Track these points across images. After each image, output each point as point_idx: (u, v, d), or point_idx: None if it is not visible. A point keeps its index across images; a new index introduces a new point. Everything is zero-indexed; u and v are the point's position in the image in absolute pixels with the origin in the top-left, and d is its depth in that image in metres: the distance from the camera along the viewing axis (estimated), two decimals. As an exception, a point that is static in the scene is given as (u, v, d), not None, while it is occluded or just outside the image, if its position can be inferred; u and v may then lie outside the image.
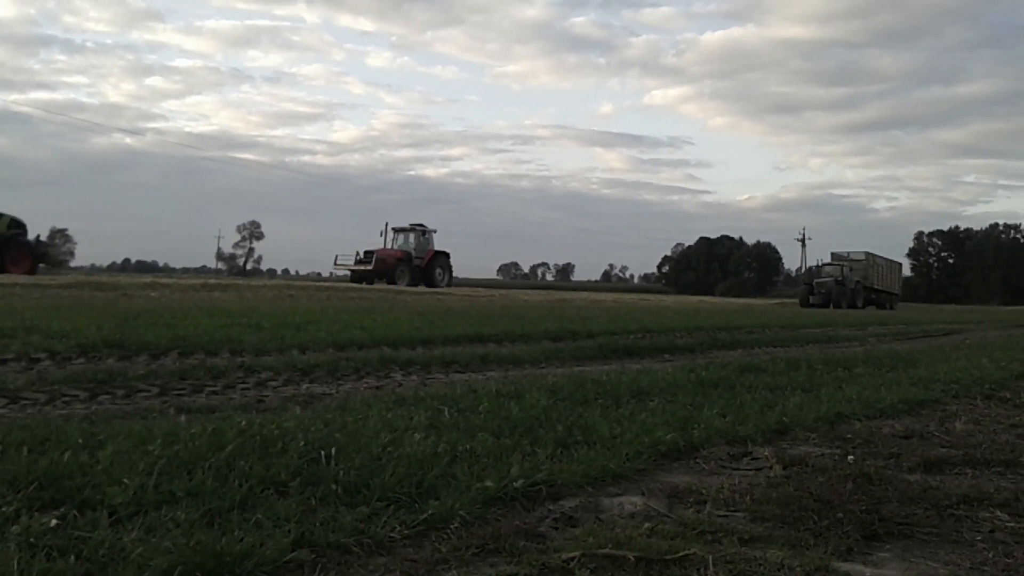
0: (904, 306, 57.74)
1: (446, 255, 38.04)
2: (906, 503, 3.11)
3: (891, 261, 57.26)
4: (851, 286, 47.58)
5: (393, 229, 38.05)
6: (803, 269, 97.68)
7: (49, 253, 29.01)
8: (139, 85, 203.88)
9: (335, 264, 37.79)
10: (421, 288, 31.90)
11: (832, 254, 52.99)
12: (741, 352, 10.47)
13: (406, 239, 37.68)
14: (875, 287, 51.70)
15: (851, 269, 49.33)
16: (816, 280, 48.79)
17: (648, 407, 4.79)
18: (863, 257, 51.74)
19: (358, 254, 36.51)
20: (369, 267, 34.93)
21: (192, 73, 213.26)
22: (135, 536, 2.23)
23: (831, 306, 43.59)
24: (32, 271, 24.85)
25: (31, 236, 26.65)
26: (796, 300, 50.15)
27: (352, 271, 36.08)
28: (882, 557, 2.60)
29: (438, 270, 37.15)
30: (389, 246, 37.31)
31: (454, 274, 39.03)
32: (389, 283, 33.13)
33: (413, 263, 36.14)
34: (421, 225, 38.31)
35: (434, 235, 38.34)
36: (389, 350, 7.94)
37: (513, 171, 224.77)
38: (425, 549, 2.45)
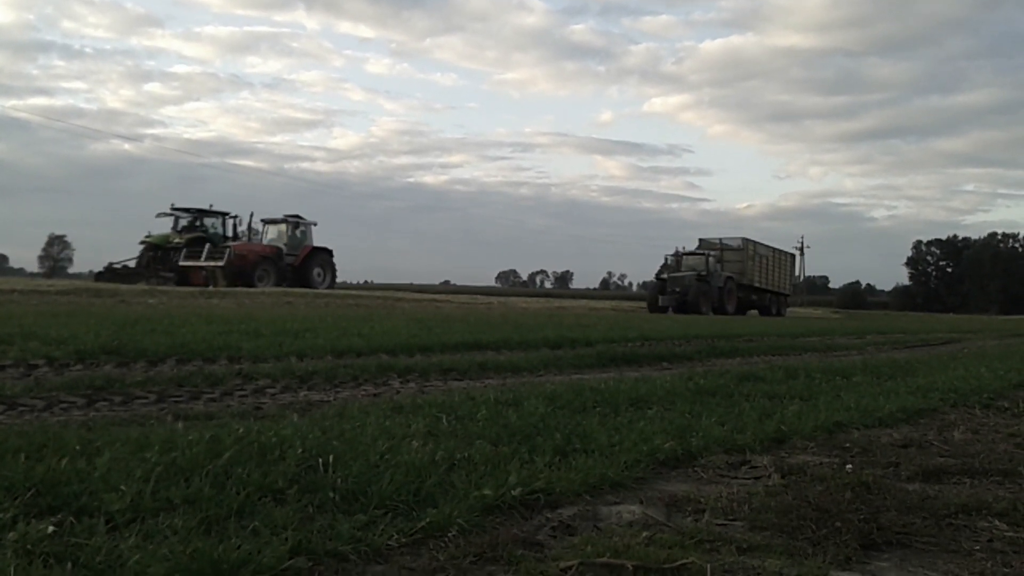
0: (902, 315, 54.66)
1: (328, 252, 32.90)
2: (904, 512, 3.10)
3: (780, 251, 44.35)
4: (719, 283, 36.40)
5: (262, 221, 32.67)
6: (801, 278, 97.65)
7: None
8: (138, 91, 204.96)
9: (183, 262, 31.50)
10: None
11: (700, 240, 41.11)
12: (739, 360, 10.47)
13: (278, 233, 32.13)
14: (756, 285, 40.25)
15: (720, 261, 38.10)
16: (670, 275, 36.48)
17: (646, 415, 4.79)
18: (739, 245, 40.00)
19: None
20: (220, 263, 28.64)
21: (191, 79, 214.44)
22: (132, 543, 2.22)
23: (688, 311, 32.96)
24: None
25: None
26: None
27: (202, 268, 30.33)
28: (880, 566, 2.60)
29: (317, 270, 31.91)
30: (261, 240, 32.04)
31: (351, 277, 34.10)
32: (247, 285, 27.20)
33: (283, 261, 30.83)
34: (296, 216, 32.68)
35: (313, 228, 33.02)
36: (387, 357, 7.93)
37: (512, 178, 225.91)
38: (423, 557, 2.44)
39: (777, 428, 4.66)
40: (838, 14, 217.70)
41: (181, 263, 29.82)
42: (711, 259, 37.25)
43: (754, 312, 39.68)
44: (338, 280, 34.60)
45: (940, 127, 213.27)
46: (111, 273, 29.28)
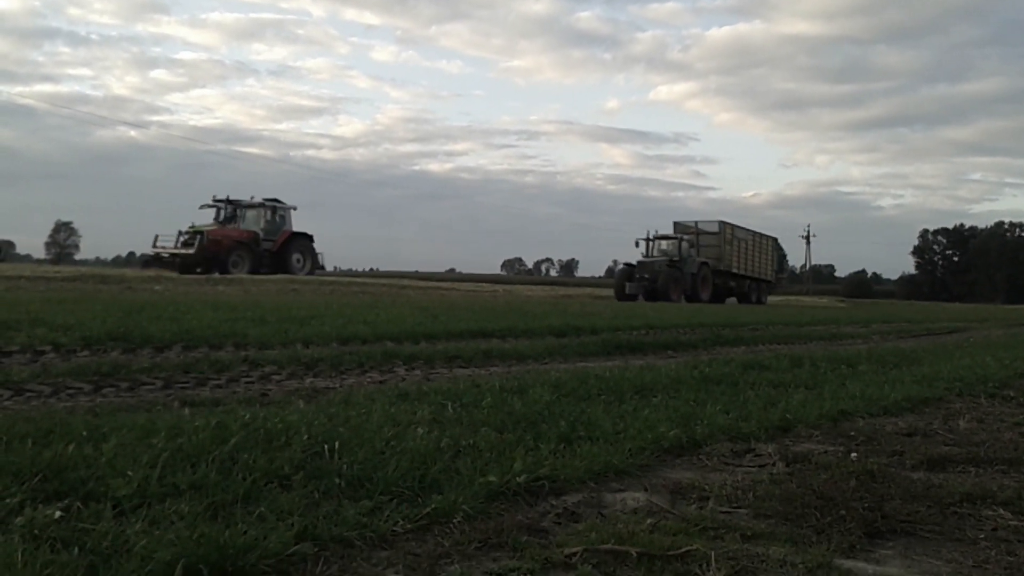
0: (908, 304, 53.27)
1: (308, 238, 32.10)
2: (909, 501, 3.10)
3: (761, 236, 41.63)
4: (692, 269, 34.27)
5: (240, 205, 31.69)
6: (807, 267, 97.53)
7: None
8: (143, 78, 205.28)
9: (153, 247, 30.07)
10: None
11: (675, 223, 38.31)
12: (744, 349, 10.45)
13: (256, 217, 31.18)
14: (734, 271, 38.09)
15: (695, 246, 35.59)
16: (640, 260, 34.53)
17: (651, 403, 4.79)
18: (716, 229, 37.56)
19: (181, 234, 29.73)
20: (191, 251, 27.95)
21: (196, 66, 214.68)
22: (139, 528, 2.23)
23: (658, 298, 31.20)
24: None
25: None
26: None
27: (173, 255, 28.73)
28: (885, 555, 2.60)
29: (296, 256, 31.17)
30: (237, 225, 30.98)
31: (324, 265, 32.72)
32: (221, 272, 26.57)
33: (260, 247, 30.02)
34: (274, 200, 31.84)
35: (292, 212, 32.18)
36: (392, 345, 7.94)
37: (518, 166, 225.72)
38: (428, 543, 2.45)
39: (782, 416, 4.66)
40: (845, 1, 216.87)
41: (152, 250, 29.70)
42: (684, 243, 35.21)
43: (733, 300, 37.83)
44: (344, 268, 34.39)
45: (947, 116, 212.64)
46: (158, 261, 29.38)
